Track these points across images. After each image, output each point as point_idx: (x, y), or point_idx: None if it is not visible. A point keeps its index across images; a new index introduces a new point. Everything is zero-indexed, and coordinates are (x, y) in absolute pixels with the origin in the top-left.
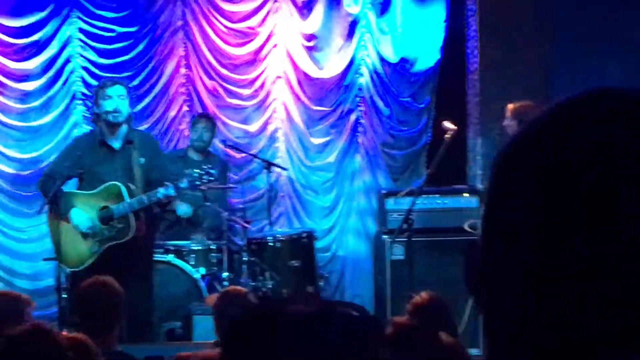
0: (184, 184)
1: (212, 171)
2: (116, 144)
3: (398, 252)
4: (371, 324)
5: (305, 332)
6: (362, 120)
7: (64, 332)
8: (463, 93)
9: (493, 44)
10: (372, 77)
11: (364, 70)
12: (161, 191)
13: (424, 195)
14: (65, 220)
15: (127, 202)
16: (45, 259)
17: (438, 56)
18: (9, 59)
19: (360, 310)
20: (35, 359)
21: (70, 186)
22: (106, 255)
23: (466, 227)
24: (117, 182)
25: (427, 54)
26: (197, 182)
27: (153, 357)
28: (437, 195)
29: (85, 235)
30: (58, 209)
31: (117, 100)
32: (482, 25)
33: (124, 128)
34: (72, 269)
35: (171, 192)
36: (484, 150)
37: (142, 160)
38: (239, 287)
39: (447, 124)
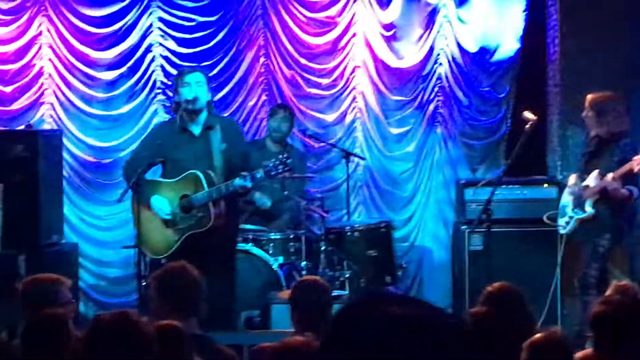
0: (260, 174)
1: (288, 161)
2: (196, 130)
3: (476, 243)
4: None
5: (399, 336)
6: (440, 110)
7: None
8: (543, 83)
9: (574, 33)
10: (451, 67)
11: (443, 59)
12: (238, 181)
13: (503, 186)
14: (147, 208)
15: (206, 191)
16: (125, 247)
17: (518, 46)
18: (90, 48)
19: (447, 316)
20: (121, 345)
21: (155, 174)
22: (188, 243)
23: (545, 218)
24: (196, 171)
25: (507, 44)
26: (273, 172)
27: (232, 345)
28: (516, 186)
29: (167, 224)
30: (140, 196)
31: (195, 87)
32: (563, 15)
33: (204, 114)
34: (155, 257)
35: (248, 182)
36: (564, 141)
37: (224, 145)
38: (315, 277)
39: (528, 114)
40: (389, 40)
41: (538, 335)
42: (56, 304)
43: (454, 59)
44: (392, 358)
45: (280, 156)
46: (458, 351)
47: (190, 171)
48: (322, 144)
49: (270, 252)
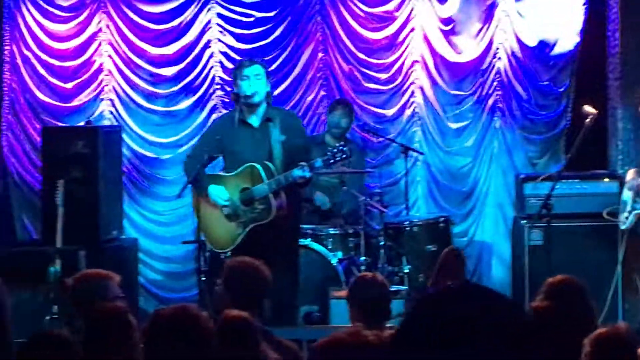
0: (318, 163)
1: (345, 149)
2: (255, 122)
3: (536, 238)
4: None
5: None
6: (499, 105)
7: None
8: (603, 76)
9: (634, 26)
10: (510, 61)
11: (502, 54)
12: (296, 172)
13: (563, 180)
14: (208, 201)
15: (265, 183)
16: (184, 242)
17: (578, 39)
18: (150, 44)
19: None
20: (180, 339)
21: (215, 169)
22: (252, 236)
23: (605, 214)
24: (254, 163)
25: (566, 37)
26: (331, 161)
27: (291, 340)
28: (576, 180)
29: (229, 217)
30: (200, 190)
31: (253, 80)
32: (623, 7)
33: (263, 106)
34: (219, 251)
35: (306, 172)
36: (625, 135)
37: (283, 137)
38: (373, 273)
39: (588, 108)
40: (447, 34)
41: (602, 330)
42: (106, 299)
43: (513, 53)
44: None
45: (338, 145)
46: (531, 347)
47: (250, 164)
48: (380, 139)
49: (329, 247)
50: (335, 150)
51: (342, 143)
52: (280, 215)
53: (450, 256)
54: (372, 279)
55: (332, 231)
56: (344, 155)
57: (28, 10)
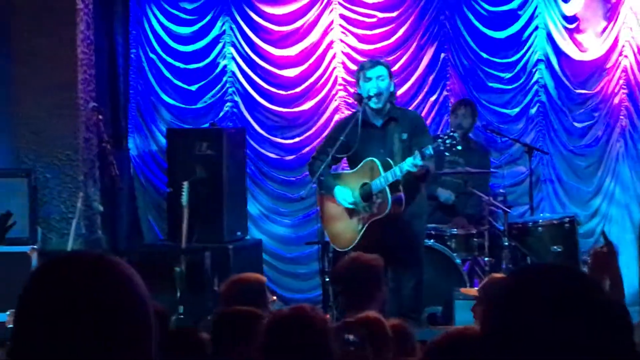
0: (428, 150)
1: (455, 134)
2: (378, 122)
3: None
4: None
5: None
6: (626, 103)
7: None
8: None
9: None
10: (636, 59)
11: (628, 51)
12: (409, 160)
13: None
14: (332, 200)
15: (382, 176)
16: (308, 243)
17: None
18: (273, 46)
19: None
20: (296, 340)
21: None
22: (370, 233)
23: None
24: (373, 158)
25: None
26: (441, 147)
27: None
28: None
29: (350, 214)
30: (324, 191)
31: (376, 82)
32: None
33: (387, 106)
34: (342, 250)
35: (418, 160)
36: None
37: (405, 135)
38: (503, 274)
39: None
40: (571, 32)
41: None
42: (257, 304)
43: (639, 50)
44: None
45: (448, 131)
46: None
47: (367, 159)
48: (504, 139)
49: (453, 247)
50: (445, 136)
51: (452, 129)
52: (398, 210)
53: (600, 254)
54: (498, 279)
55: (455, 232)
56: (453, 142)
57: (153, 13)
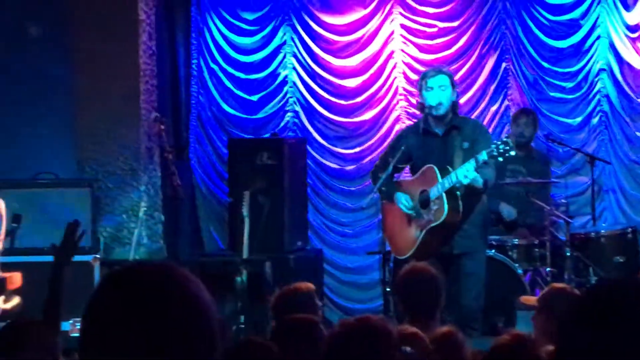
0: (483, 155)
1: (509, 140)
2: (440, 131)
3: None
4: None
5: None
6: None
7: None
8: None
9: None
10: None
11: None
12: (464, 166)
13: None
14: (393, 208)
15: (439, 182)
16: (369, 253)
17: None
18: (333, 56)
19: None
20: (361, 350)
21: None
22: (428, 241)
23: None
24: (431, 165)
25: None
26: (494, 153)
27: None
28: None
29: (409, 222)
30: (387, 198)
31: (438, 91)
32: None
33: (449, 115)
34: (400, 257)
35: (472, 165)
36: None
37: (466, 144)
38: (564, 284)
39: None
40: (634, 41)
41: None
42: (308, 311)
43: None
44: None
45: (502, 136)
46: None
47: (426, 166)
48: (566, 148)
49: (514, 258)
50: (498, 142)
51: (506, 135)
52: (455, 217)
53: None
54: (563, 290)
55: (517, 242)
56: (507, 147)
57: (215, 24)
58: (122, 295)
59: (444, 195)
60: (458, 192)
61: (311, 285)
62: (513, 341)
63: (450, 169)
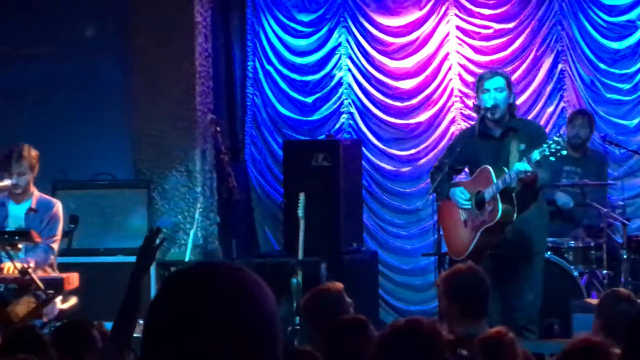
0: (535, 155)
1: (561, 139)
2: (496, 132)
3: None
4: None
5: None
6: None
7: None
8: None
9: None
10: None
11: None
12: (517, 165)
13: None
14: (450, 209)
15: (494, 183)
16: (424, 255)
17: None
18: (388, 58)
19: None
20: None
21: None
22: (483, 242)
23: None
24: (487, 166)
25: None
26: (547, 152)
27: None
28: None
29: (465, 222)
30: (443, 198)
31: (494, 93)
32: None
33: (506, 117)
34: (456, 258)
35: (526, 165)
36: None
37: (522, 146)
38: (622, 289)
39: None
40: None
41: None
42: (339, 312)
43: None
44: None
45: (555, 136)
46: None
47: (481, 167)
48: (623, 151)
49: (570, 260)
50: (551, 141)
51: (559, 134)
52: (509, 218)
53: None
54: (622, 293)
55: (573, 244)
56: (558, 146)
57: (270, 26)
58: (185, 299)
59: (498, 196)
60: (513, 194)
61: (340, 285)
62: (586, 345)
63: (505, 170)
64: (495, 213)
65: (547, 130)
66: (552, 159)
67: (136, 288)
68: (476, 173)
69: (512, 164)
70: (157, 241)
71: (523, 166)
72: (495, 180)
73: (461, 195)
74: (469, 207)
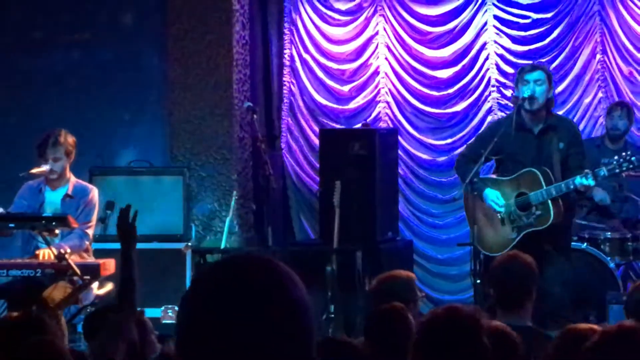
0: (603, 171)
1: (632, 158)
2: (536, 129)
3: None
4: None
5: None
6: None
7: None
8: None
9: None
10: None
11: None
12: (579, 180)
13: None
14: (482, 204)
15: (544, 189)
16: (460, 244)
17: None
18: (425, 47)
19: None
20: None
21: (484, 171)
22: (525, 242)
23: None
24: (533, 169)
25: None
26: (617, 170)
27: None
28: None
29: (503, 221)
30: (475, 192)
31: (533, 85)
32: None
33: (543, 112)
34: (491, 254)
35: (590, 181)
36: None
37: (562, 145)
38: None
39: None
40: None
41: None
42: (407, 300)
43: None
44: None
45: (624, 154)
46: None
47: (528, 169)
48: None
49: (607, 251)
50: (622, 160)
51: (629, 152)
52: (557, 222)
53: None
54: None
55: (609, 235)
56: (631, 166)
57: (307, 14)
58: (221, 291)
59: (549, 202)
60: (560, 198)
61: (412, 274)
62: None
63: (549, 172)
64: (547, 219)
65: (584, 121)
66: (619, 176)
67: (130, 263)
68: (519, 174)
69: (555, 165)
70: (131, 215)
71: (587, 181)
72: (544, 186)
73: (496, 201)
74: (502, 212)
